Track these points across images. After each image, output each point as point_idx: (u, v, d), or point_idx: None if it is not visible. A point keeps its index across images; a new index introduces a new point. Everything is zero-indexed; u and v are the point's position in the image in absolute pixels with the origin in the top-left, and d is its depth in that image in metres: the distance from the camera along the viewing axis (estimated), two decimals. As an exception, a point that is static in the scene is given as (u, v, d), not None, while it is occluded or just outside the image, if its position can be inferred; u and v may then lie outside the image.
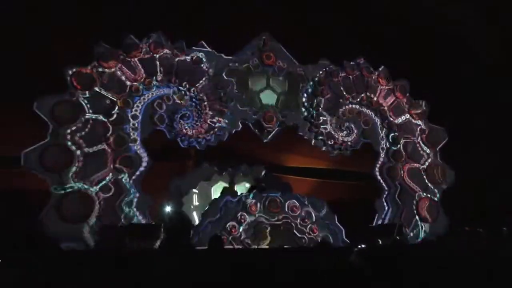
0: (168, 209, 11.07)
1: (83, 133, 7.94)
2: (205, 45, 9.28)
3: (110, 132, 8.18)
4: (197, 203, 10.88)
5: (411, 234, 9.45)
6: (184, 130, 8.80)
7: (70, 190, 7.57)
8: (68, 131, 7.81)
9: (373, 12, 11.98)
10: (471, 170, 11.00)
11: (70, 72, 8.01)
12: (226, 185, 10.96)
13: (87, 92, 8.11)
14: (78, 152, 7.82)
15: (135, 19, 10.02)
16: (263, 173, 11.78)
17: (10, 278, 5.12)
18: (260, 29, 9.84)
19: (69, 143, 7.77)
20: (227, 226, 8.41)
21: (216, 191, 10.84)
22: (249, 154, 12.40)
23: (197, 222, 8.61)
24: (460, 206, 10.38)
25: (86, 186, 7.74)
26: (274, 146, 10.97)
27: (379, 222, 9.82)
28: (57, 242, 7.21)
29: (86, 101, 8.09)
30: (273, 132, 9.59)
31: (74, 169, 7.70)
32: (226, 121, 9.16)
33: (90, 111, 8.10)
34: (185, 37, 9.14)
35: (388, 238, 8.86)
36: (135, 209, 8.16)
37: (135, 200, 8.20)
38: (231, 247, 8.13)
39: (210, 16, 11.14)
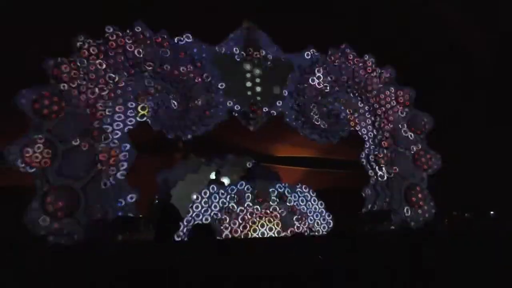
0: (156, 201, 11.07)
1: (65, 126, 7.85)
2: (189, 35, 9.29)
3: (94, 125, 8.13)
4: (185, 195, 10.88)
5: (398, 220, 9.56)
6: (169, 121, 8.79)
7: (54, 185, 7.53)
8: (50, 125, 7.73)
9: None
10: (463, 157, 11.20)
11: (51, 64, 7.92)
12: (214, 176, 11.03)
13: (69, 84, 8.00)
14: (61, 146, 7.76)
15: (119, 7, 9.86)
16: (251, 163, 11.84)
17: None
18: (246, 16, 9.84)
19: (51, 137, 7.68)
20: (215, 217, 8.47)
21: (203, 182, 10.85)
22: (236, 144, 12.44)
23: (185, 214, 8.66)
24: (449, 192, 10.59)
25: (70, 181, 7.69)
26: (262, 136, 11.02)
27: (368, 209, 9.94)
28: (43, 237, 7.21)
29: (68, 94, 7.99)
30: (260, 122, 9.62)
31: (57, 163, 7.65)
32: (212, 111, 9.16)
33: (73, 104, 8.02)
34: (171, 25, 9.08)
35: (376, 225, 9.08)
36: (122, 203, 8.12)
37: (122, 193, 8.16)
38: (220, 238, 8.13)
39: (197, 3, 11.00)
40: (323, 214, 9.24)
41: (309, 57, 10.11)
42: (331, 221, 9.25)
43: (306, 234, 8.69)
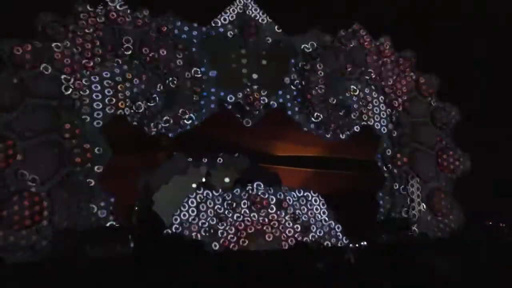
0: (136, 208, 10.90)
1: (26, 120, 7.58)
2: (174, 14, 9.10)
3: (61, 119, 7.88)
4: (170, 201, 10.74)
5: (419, 229, 9.46)
6: (151, 115, 8.54)
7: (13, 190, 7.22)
8: (7, 118, 7.45)
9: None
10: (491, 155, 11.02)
11: (8, 48, 7.58)
12: (204, 179, 10.92)
13: (30, 71, 7.73)
14: (21, 144, 7.48)
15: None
16: (247, 164, 11.74)
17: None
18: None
19: (9, 134, 7.41)
20: (206, 226, 8.38)
21: (192, 186, 10.67)
22: (229, 142, 12.29)
23: (170, 223, 8.51)
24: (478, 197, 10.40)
25: (32, 184, 7.43)
26: (259, 132, 10.87)
27: (382, 216, 9.86)
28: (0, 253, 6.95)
29: (29, 82, 7.71)
30: (257, 116, 9.43)
31: (16, 164, 7.36)
32: (202, 103, 8.96)
33: (35, 94, 7.74)
34: (152, 2, 8.92)
35: (393, 234, 8.90)
36: (95, 210, 8.01)
37: (96, 199, 8.05)
38: (211, 249, 8.20)
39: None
40: (330, 223, 9.19)
41: (315, 39, 9.89)
42: (339, 231, 9.21)
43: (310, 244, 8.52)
